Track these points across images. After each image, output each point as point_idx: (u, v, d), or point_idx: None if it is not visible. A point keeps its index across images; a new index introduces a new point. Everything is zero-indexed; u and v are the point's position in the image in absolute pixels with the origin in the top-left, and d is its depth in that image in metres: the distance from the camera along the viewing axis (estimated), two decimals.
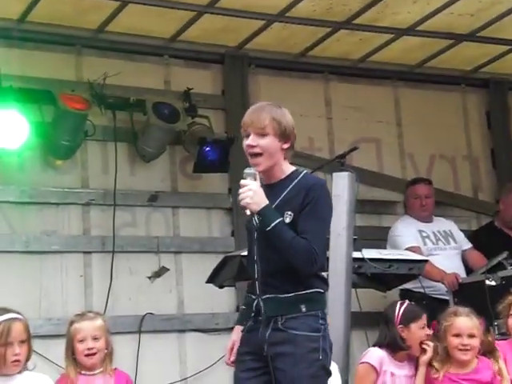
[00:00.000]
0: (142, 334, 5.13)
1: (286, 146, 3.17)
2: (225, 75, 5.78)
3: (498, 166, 6.56)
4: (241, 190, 3.07)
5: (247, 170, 3.11)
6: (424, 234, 5.53)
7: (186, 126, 5.35)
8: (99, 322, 3.77)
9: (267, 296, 3.11)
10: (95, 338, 3.71)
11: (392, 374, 4.06)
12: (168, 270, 5.37)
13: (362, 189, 5.28)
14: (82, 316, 3.80)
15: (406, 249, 5.25)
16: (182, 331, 5.34)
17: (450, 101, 6.54)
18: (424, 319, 4.11)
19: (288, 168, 3.21)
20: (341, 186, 4.41)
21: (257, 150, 3.10)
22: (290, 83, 5.99)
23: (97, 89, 5.11)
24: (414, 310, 4.17)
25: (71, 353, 3.72)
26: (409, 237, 5.44)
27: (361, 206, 5.30)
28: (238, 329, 3.28)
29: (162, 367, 5.14)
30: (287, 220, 3.08)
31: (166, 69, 5.62)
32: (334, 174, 4.51)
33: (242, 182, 3.09)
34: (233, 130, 5.27)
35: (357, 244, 4.41)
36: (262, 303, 3.11)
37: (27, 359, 3.48)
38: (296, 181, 3.16)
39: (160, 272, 5.34)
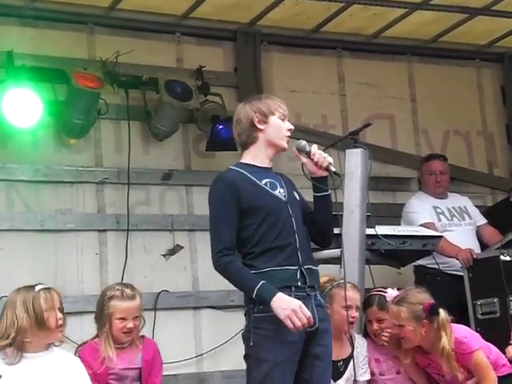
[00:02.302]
0: (158, 312, 5.16)
1: None
2: (237, 52, 5.76)
3: None
4: (318, 154, 3.32)
5: (303, 143, 3.38)
6: (439, 211, 5.51)
7: (198, 103, 5.34)
8: (138, 300, 3.76)
9: (308, 266, 3.24)
10: (135, 317, 3.72)
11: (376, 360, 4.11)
12: (182, 247, 5.39)
13: (376, 166, 5.27)
14: (121, 292, 3.74)
15: (421, 225, 5.23)
16: (197, 308, 5.37)
17: (465, 76, 6.48)
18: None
19: None
20: (354, 163, 4.41)
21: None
22: (303, 60, 5.96)
23: (109, 67, 5.11)
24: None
25: (109, 327, 3.69)
26: (423, 213, 5.42)
27: (374, 183, 5.28)
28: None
29: (177, 344, 5.17)
30: (297, 197, 3.39)
31: (178, 46, 5.61)
32: (347, 151, 4.50)
33: (315, 147, 3.37)
34: None
35: (370, 221, 4.40)
36: (305, 273, 3.20)
37: None
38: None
39: (174, 250, 5.37)
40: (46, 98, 4.93)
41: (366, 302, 4.20)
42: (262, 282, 3.11)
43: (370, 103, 6.11)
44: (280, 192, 3.30)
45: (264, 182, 3.29)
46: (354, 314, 3.94)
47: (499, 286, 4.61)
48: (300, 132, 5.84)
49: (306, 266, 3.21)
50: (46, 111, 4.92)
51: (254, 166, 3.32)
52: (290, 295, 3.13)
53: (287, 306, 3.07)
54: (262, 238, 3.19)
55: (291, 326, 3.06)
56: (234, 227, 3.20)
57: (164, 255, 5.36)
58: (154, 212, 5.39)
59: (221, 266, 3.20)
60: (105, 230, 5.23)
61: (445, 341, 3.82)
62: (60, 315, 3.43)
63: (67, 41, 5.21)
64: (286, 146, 3.37)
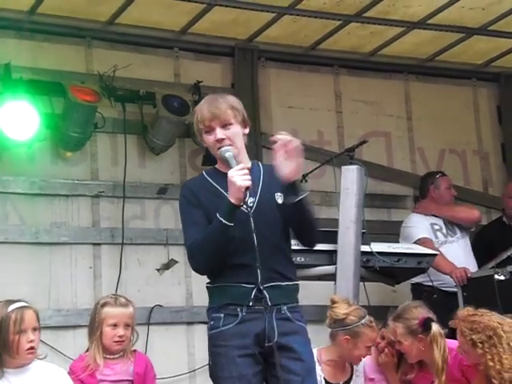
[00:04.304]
0: (151, 326, 5.14)
1: (246, 131, 3.16)
2: (235, 68, 5.78)
3: (509, 161, 6.53)
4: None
5: (228, 153, 3.02)
6: (436, 227, 5.55)
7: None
8: (131, 309, 3.73)
9: (270, 284, 3.05)
10: (127, 325, 3.68)
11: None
12: (177, 262, 5.38)
13: (372, 183, 5.28)
14: (115, 300, 3.72)
15: (418, 240, 5.28)
16: (191, 323, 5.35)
17: (461, 95, 6.51)
18: None
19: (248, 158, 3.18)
20: (350, 180, 4.41)
21: (227, 142, 3.07)
22: (300, 76, 5.98)
23: (107, 81, 5.12)
24: None
25: (99, 335, 3.65)
26: (421, 228, 5.46)
27: (370, 199, 5.29)
28: None
29: (170, 359, 5.15)
30: (279, 201, 3.09)
31: (175, 61, 5.62)
32: (343, 168, 4.51)
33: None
34: None
35: (365, 238, 4.41)
36: (265, 291, 3.03)
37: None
38: (262, 167, 3.19)
39: (169, 264, 5.36)
40: (42, 111, 4.93)
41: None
42: (218, 215, 2.94)
43: (367, 120, 6.13)
44: (247, 202, 2.99)
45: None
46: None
47: (493, 304, 4.59)
48: None
49: (267, 284, 3.03)
50: (43, 124, 4.93)
51: (224, 172, 3.06)
52: (238, 314, 3.02)
53: (233, 189, 2.93)
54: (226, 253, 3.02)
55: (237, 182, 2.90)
56: (200, 225, 3.04)
57: (158, 269, 5.35)
58: (148, 226, 5.39)
59: (190, 251, 3.05)
60: (99, 244, 5.22)
61: (436, 354, 3.79)
62: (31, 337, 3.32)
63: (65, 54, 5.22)
64: (229, 162, 3.04)
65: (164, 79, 5.52)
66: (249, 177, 2.95)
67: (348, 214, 4.35)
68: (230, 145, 3.06)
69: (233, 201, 2.95)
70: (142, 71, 5.40)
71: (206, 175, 3.19)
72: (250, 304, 3.03)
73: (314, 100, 5.98)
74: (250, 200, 3.02)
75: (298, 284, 3.18)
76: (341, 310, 3.96)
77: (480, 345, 3.51)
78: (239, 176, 2.94)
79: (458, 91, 6.49)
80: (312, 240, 3.21)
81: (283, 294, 3.09)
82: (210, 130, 3.09)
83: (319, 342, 3.92)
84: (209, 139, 3.10)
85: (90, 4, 5.02)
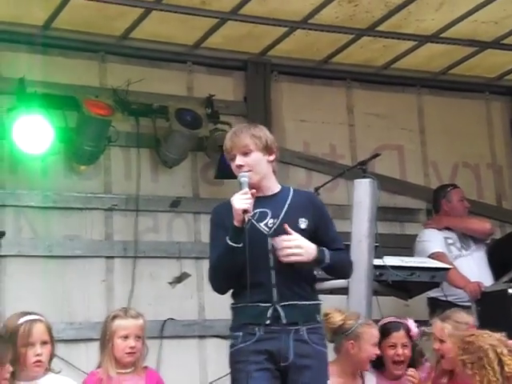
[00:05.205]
0: (163, 340, 5.14)
1: (271, 157, 3.31)
2: (247, 82, 5.80)
3: None
4: (287, 247, 3.12)
5: (243, 179, 3.21)
6: (449, 241, 5.52)
7: (208, 132, 5.37)
8: (141, 321, 3.74)
9: (286, 303, 3.14)
10: (138, 337, 3.68)
11: None
12: (189, 275, 5.38)
13: (385, 196, 5.27)
14: (125, 312, 3.74)
15: (432, 254, 5.25)
16: (203, 337, 5.35)
17: (474, 108, 6.50)
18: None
19: (277, 182, 3.36)
20: (362, 193, 4.41)
21: (246, 169, 3.24)
22: (313, 90, 5.99)
23: (120, 95, 5.15)
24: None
25: (111, 348, 3.64)
26: (435, 242, 5.43)
27: (383, 213, 5.27)
28: None
29: (182, 373, 5.14)
30: (303, 226, 3.23)
31: (188, 75, 5.65)
32: (356, 181, 4.51)
33: (285, 237, 3.13)
34: None
35: (378, 251, 4.39)
36: (280, 310, 3.13)
37: (50, 361, 3.45)
38: (292, 192, 3.34)
39: (181, 277, 5.36)
40: (56, 125, 4.96)
41: (389, 329, 4.18)
42: (227, 237, 3.13)
43: (379, 134, 6.12)
44: (267, 223, 3.19)
45: (253, 212, 3.18)
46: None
47: (507, 319, 4.56)
48: (308, 161, 5.90)
49: (283, 303, 3.14)
50: (57, 138, 4.96)
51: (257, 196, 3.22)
52: (255, 333, 3.13)
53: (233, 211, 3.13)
54: (241, 273, 3.15)
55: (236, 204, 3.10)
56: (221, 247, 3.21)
57: (171, 283, 5.35)
58: (161, 239, 5.40)
59: (208, 272, 3.26)
60: (112, 257, 5.23)
61: None
62: (38, 351, 3.34)
63: (79, 68, 5.26)
64: (242, 187, 3.21)
65: (177, 93, 5.55)
66: (249, 201, 3.11)
67: (361, 228, 4.35)
68: (249, 171, 3.23)
69: (235, 223, 3.12)
70: (155, 85, 5.42)
71: None
72: (267, 323, 3.13)
73: (327, 113, 5.98)
74: (270, 221, 3.19)
75: (318, 304, 3.27)
76: (336, 318, 3.99)
77: (469, 365, 3.49)
78: (239, 199, 3.12)
79: (471, 105, 6.48)
80: (346, 277, 3.54)
81: (300, 313, 3.17)
82: (233, 158, 3.28)
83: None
84: (232, 166, 3.30)
85: (104, 19, 5.06)
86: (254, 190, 3.18)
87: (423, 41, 5.61)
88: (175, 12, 4.99)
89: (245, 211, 3.09)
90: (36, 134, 4.81)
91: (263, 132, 3.32)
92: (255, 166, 3.25)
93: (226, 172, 5.41)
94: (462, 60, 5.97)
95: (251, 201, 3.12)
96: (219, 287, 3.26)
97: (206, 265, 5.33)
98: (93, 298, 5.11)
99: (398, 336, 4.16)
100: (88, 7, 4.86)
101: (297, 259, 3.14)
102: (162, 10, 4.96)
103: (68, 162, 5.20)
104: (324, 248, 3.21)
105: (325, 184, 5.25)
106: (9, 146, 4.95)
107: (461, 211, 5.66)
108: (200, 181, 5.59)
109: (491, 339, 3.53)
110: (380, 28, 5.37)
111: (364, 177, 4.50)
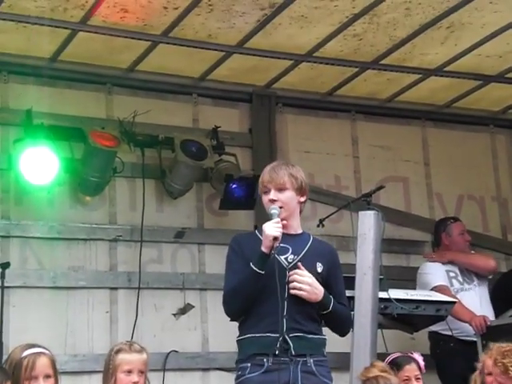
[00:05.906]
0: (167, 372, 5.11)
1: (302, 199, 3.46)
2: (252, 113, 5.83)
3: None
4: (297, 282, 3.26)
5: (273, 211, 3.33)
6: (452, 274, 5.48)
7: (213, 163, 5.39)
8: (145, 356, 3.72)
9: (295, 334, 3.21)
10: (141, 372, 3.66)
11: None
12: (193, 307, 5.36)
13: (390, 228, 5.26)
14: (129, 346, 3.72)
15: (434, 287, 5.22)
16: (207, 370, 5.31)
17: (479, 141, 6.52)
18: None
19: (300, 225, 3.48)
20: (367, 225, 4.40)
21: (278, 204, 3.36)
22: (317, 122, 6.02)
23: (126, 126, 5.18)
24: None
25: (114, 383, 3.61)
26: (437, 275, 5.40)
27: (388, 245, 5.27)
28: None
29: None
30: (319, 270, 3.35)
31: (194, 107, 5.69)
32: (360, 213, 4.50)
33: (298, 271, 3.27)
34: (259, 168, 5.24)
35: (383, 284, 4.37)
36: (289, 341, 3.18)
37: None
38: (312, 238, 3.48)
39: (185, 309, 5.34)
40: (62, 156, 4.99)
41: (401, 362, 4.15)
42: (251, 263, 3.23)
43: (384, 166, 6.14)
44: (287, 258, 3.33)
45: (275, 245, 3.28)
46: None
47: None
48: (313, 193, 5.84)
49: (292, 334, 3.21)
50: (63, 169, 4.98)
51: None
52: (264, 364, 3.19)
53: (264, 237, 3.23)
54: (253, 301, 3.26)
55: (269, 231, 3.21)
56: (239, 274, 3.31)
57: (174, 314, 5.33)
58: (165, 270, 5.39)
59: (224, 295, 3.33)
60: (116, 288, 5.22)
61: None
62: None
63: (86, 100, 5.31)
64: (272, 217, 3.33)
65: (183, 124, 5.58)
66: (280, 229, 3.22)
67: (365, 260, 4.33)
68: (280, 207, 3.35)
69: (263, 249, 3.22)
70: (161, 117, 5.46)
71: (256, 232, 3.45)
72: (276, 353, 3.19)
73: (331, 145, 6.01)
74: (290, 256, 3.33)
75: (324, 338, 3.37)
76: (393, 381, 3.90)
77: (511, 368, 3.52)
78: (271, 226, 3.24)
79: (475, 137, 6.49)
80: (342, 334, 3.50)
81: (308, 346, 3.25)
82: (267, 191, 3.41)
83: None
84: (265, 199, 3.41)
85: (111, 52, 5.11)
86: (284, 222, 3.31)
87: (427, 74, 5.65)
88: (181, 45, 5.03)
89: (275, 238, 3.20)
90: (42, 165, 4.83)
91: (300, 174, 3.46)
92: (287, 204, 3.38)
93: (230, 203, 5.45)
94: (467, 93, 6.00)
95: (281, 230, 3.24)
96: (234, 311, 3.33)
97: (210, 296, 5.41)
98: (96, 330, 5.09)
99: (411, 369, 4.13)
100: (95, 40, 4.91)
101: (302, 294, 3.24)
102: (168, 43, 5.01)
103: (73, 192, 5.22)
104: (331, 296, 3.34)
105: (329, 215, 5.25)
106: (15, 176, 4.98)
107: (461, 245, 5.60)
108: (205, 211, 5.60)
109: None
110: (384, 61, 5.41)
111: (369, 209, 4.50)
